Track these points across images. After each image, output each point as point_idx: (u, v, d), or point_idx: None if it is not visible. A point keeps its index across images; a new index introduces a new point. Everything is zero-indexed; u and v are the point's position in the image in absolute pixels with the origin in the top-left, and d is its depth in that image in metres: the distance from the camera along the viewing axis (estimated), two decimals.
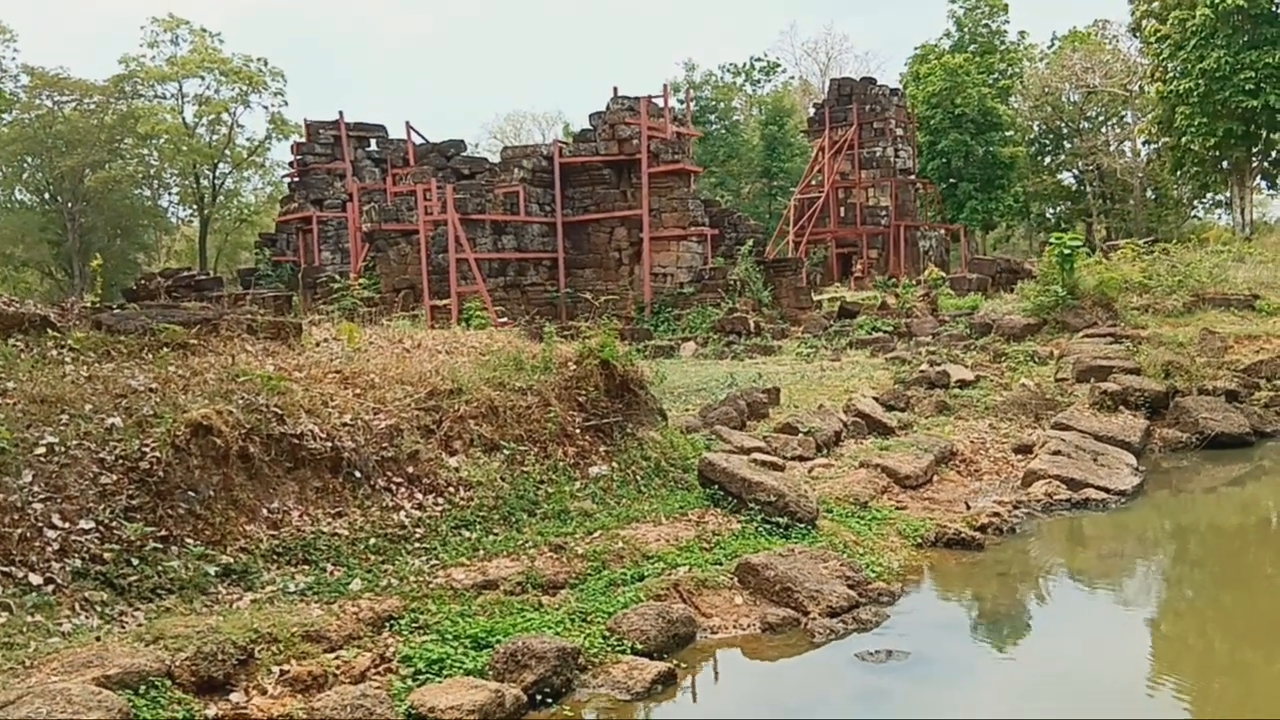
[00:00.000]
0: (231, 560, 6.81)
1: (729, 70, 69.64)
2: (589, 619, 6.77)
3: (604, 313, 21.13)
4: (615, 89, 24.45)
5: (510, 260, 23.84)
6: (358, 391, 8.71)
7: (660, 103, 25.12)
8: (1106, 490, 10.80)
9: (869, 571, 7.94)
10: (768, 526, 8.55)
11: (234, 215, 60.85)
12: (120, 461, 6.88)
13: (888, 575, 8.08)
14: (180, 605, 6.28)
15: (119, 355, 8.34)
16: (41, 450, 6.71)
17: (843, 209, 39.73)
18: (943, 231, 42.99)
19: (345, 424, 8.13)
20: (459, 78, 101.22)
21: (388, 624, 6.50)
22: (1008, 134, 49.43)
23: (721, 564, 7.81)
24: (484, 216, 23.04)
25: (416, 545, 7.66)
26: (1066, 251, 19.36)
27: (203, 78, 55.43)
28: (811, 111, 43.15)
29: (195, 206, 59.34)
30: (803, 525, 8.54)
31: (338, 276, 22.57)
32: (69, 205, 57.24)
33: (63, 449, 6.80)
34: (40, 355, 8.16)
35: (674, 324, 22.46)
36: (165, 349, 8.51)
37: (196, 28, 55.31)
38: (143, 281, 30.23)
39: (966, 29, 52.67)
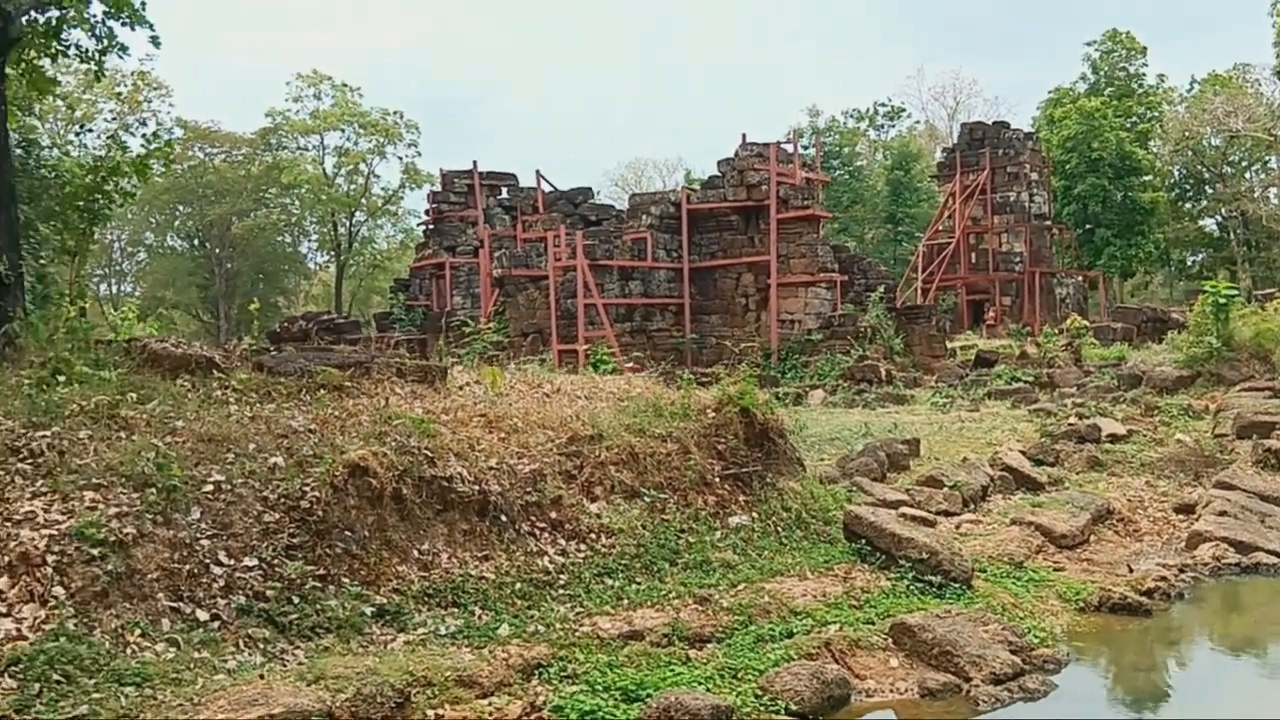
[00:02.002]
0: (385, 601, 6.88)
1: (852, 115, 69.34)
2: (739, 676, 6.59)
3: (734, 359, 21.06)
4: (744, 136, 24.60)
5: (637, 305, 23.98)
6: (502, 435, 8.78)
7: (789, 149, 25.05)
8: (1278, 554, 10.10)
9: (1032, 637, 7.54)
10: (919, 585, 8.22)
11: (368, 261, 63.02)
12: (282, 500, 7.05)
13: (1051, 641, 7.66)
14: (338, 645, 6.35)
15: (279, 396, 8.60)
16: (209, 488, 6.93)
17: (974, 255, 38.80)
18: (1080, 278, 41.53)
19: (491, 468, 8.19)
20: (582, 128, 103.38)
21: (537, 671, 6.45)
22: (1147, 179, 47.71)
23: (873, 623, 7.53)
24: (612, 262, 23.27)
25: (561, 592, 7.61)
26: (1222, 301, 18.41)
27: (342, 130, 57.90)
28: (941, 156, 42.44)
29: (332, 253, 61.76)
30: (957, 585, 8.19)
31: (469, 321, 23.10)
32: (216, 251, 60.33)
33: (229, 487, 7.01)
34: (206, 395, 8.48)
35: (801, 371, 22.18)
36: (322, 390, 8.74)
37: (338, 83, 57.88)
38: (285, 324, 31.53)
39: (1103, 72, 51.22)
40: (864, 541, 8.71)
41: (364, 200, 59.75)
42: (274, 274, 63.39)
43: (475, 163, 30.00)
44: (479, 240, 28.21)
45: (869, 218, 57.29)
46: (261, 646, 6.16)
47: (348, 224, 60.47)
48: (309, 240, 65.98)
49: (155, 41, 10.88)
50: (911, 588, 8.22)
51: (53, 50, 10.43)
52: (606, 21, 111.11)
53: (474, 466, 8.05)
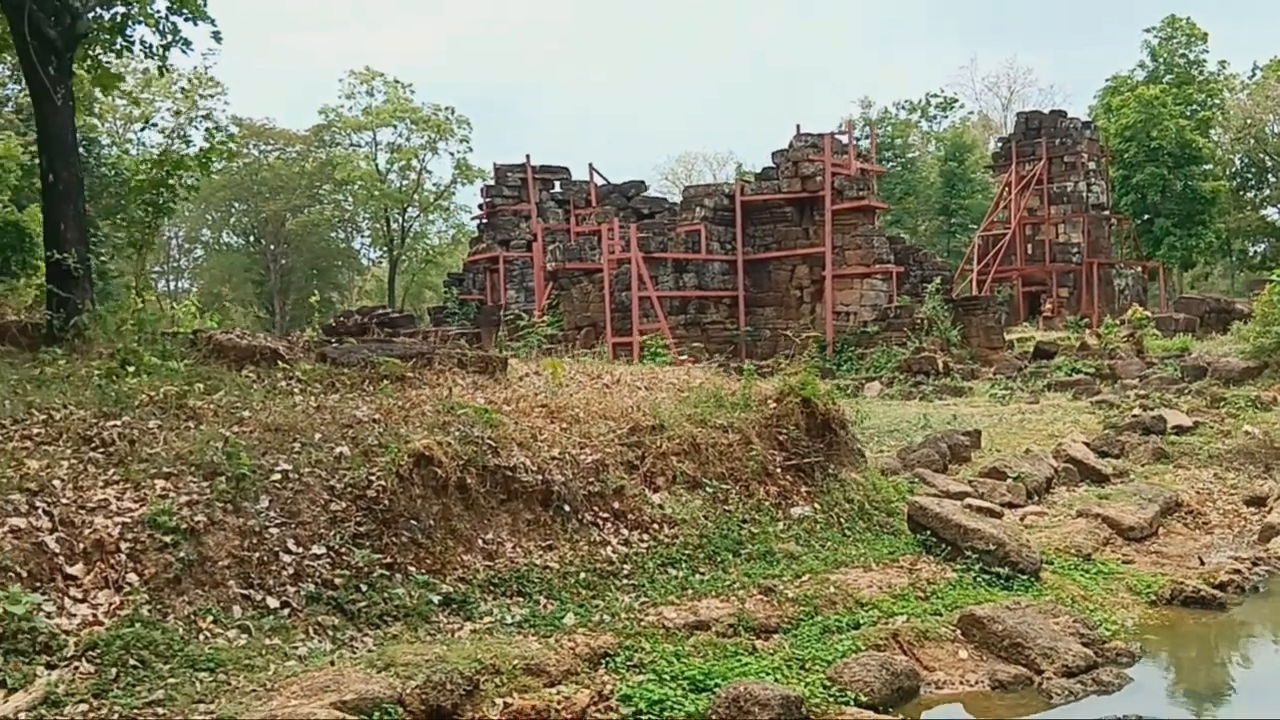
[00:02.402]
0: (451, 590, 6.89)
1: (904, 107, 68.49)
2: (806, 666, 6.52)
3: (790, 350, 20.90)
4: (798, 127, 24.40)
5: (691, 298, 23.89)
6: (564, 425, 8.77)
7: (843, 139, 24.78)
8: None
9: (1103, 629, 7.38)
10: (986, 577, 8.09)
11: (420, 256, 63.52)
12: (349, 489, 7.09)
13: (1123, 634, 7.49)
14: (406, 633, 6.38)
15: (343, 387, 8.67)
16: (277, 477, 6.99)
17: (1030, 246, 38.16)
18: (1139, 269, 40.68)
19: (554, 457, 8.18)
20: (631, 122, 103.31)
21: (603, 660, 6.43)
22: (1208, 167, 46.59)
23: (940, 615, 7.41)
24: (666, 255, 23.20)
25: (625, 581, 7.58)
26: None
27: (395, 126, 58.35)
28: (997, 146, 41.78)
29: (385, 248, 62.35)
30: (1025, 577, 8.04)
31: (523, 314, 23.19)
32: (270, 247, 61.21)
33: (296, 476, 7.07)
34: (271, 386, 8.58)
35: (857, 363, 21.95)
36: (384, 381, 8.79)
37: (390, 79, 58.33)
38: (341, 319, 31.89)
39: (1162, 59, 50.06)
40: (929, 533, 8.58)
41: (416, 196, 60.20)
42: (327, 269, 64.18)
43: (528, 156, 30.11)
44: (532, 234, 28.29)
45: (922, 209, 56.64)
46: (331, 634, 6.20)
47: (400, 219, 60.98)
48: (361, 236, 66.77)
49: (217, 37, 11.01)
50: (978, 579, 8.09)
51: (117, 46, 10.59)
52: (648, 16, 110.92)
53: (537, 456, 8.05)
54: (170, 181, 10.06)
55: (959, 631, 7.13)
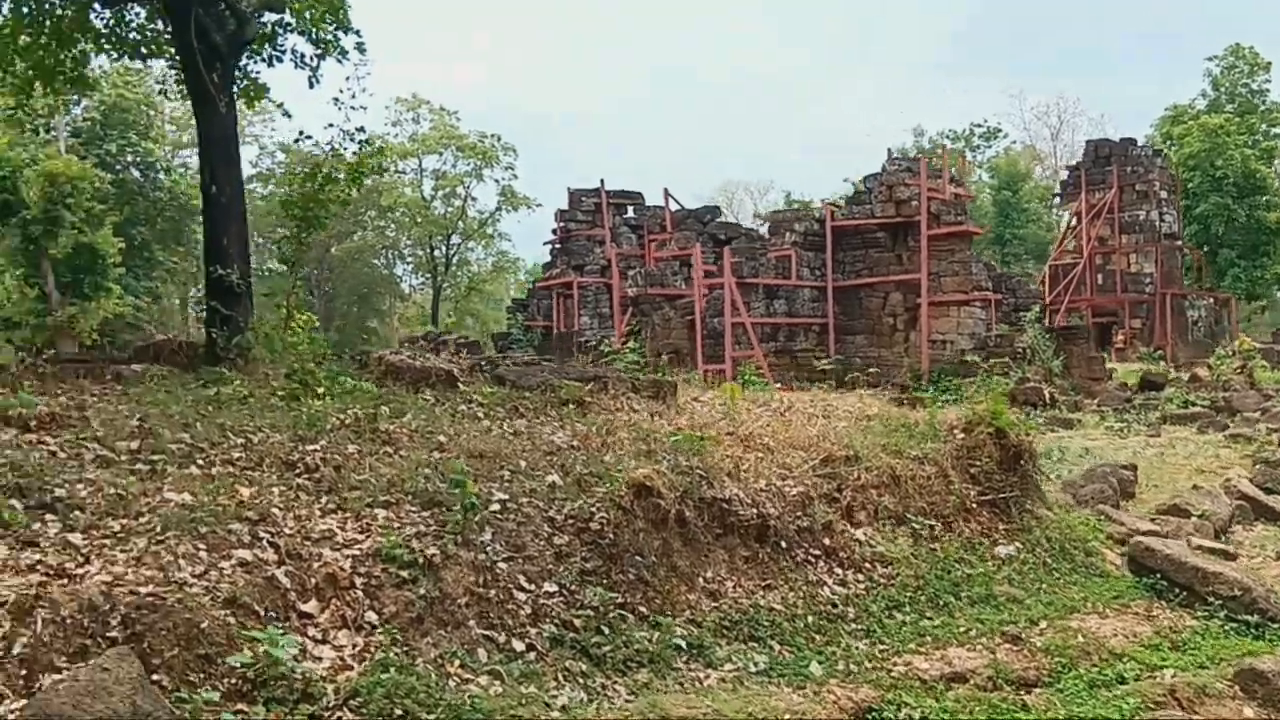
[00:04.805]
0: (685, 632, 6.33)
1: (948, 136, 68.05)
2: None
3: (885, 380, 20.28)
4: (889, 151, 23.90)
5: (780, 325, 23.33)
6: (759, 455, 8.22)
7: (937, 164, 24.26)
8: None
9: None
10: (1233, 625, 7.45)
11: (463, 283, 63.29)
12: (570, 521, 6.56)
13: None
14: (654, 680, 5.81)
15: (527, 411, 8.17)
16: (495, 507, 6.47)
17: (1100, 276, 37.41)
18: (1210, 300, 39.83)
19: (761, 489, 7.63)
20: (669, 152, 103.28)
21: (868, 716, 5.85)
22: (1273, 198, 45.76)
23: (1207, 668, 6.78)
24: (756, 280, 22.68)
25: (853, 626, 7.00)
26: None
27: (440, 154, 58.39)
28: (1064, 174, 41.16)
29: (427, 275, 62.17)
30: (1276, 625, 7.39)
31: (601, 340, 22.70)
32: (314, 273, 61.14)
33: (514, 506, 6.55)
34: (453, 409, 8.09)
35: (955, 394, 21.30)
36: (565, 405, 8.29)
37: (436, 107, 58.39)
38: (405, 344, 31.53)
39: (1224, 88, 49.40)
40: (1158, 576, 7.95)
41: (460, 222, 60.07)
42: (369, 296, 64.05)
43: (602, 181, 29.70)
44: (605, 259, 27.85)
45: (975, 240, 55.92)
46: (581, 681, 5.64)
47: (444, 246, 60.83)
48: (404, 262, 66.64)
49: (360, 48, 10.61)
50: (1225, 628, 7.45)
51: (266, 56, 10.22)
52: (679, 48, 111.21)
53: (747, 488, 7.50)
54: (320, 197, 9.66)
55: (1237, 687, 6.49)
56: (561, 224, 29.89)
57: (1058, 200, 44.92)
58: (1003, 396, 9.71)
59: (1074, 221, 37.67)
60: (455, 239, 61.21)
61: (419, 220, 58.60)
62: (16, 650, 4.37)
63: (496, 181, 58.45)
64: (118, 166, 39.68)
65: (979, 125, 69.18)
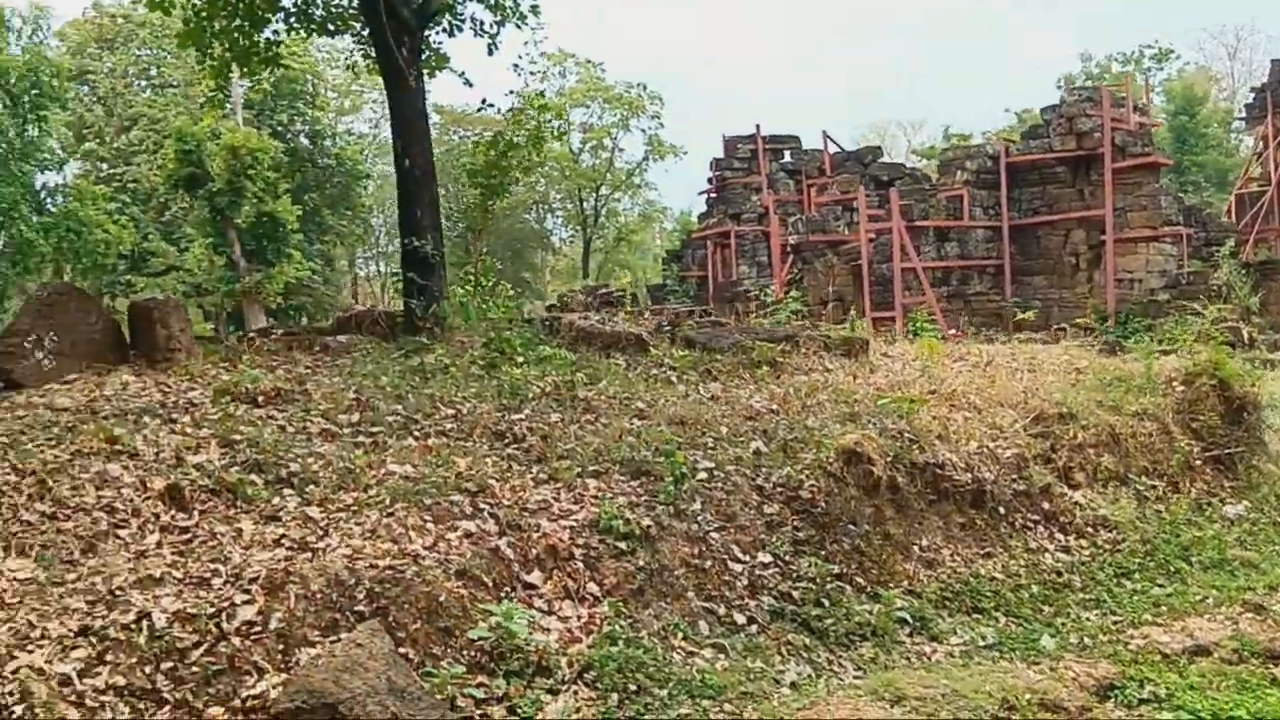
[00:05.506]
0: (904, 603, 6.13)
1: (1117, 59, 63.93)
2: None
3: (1058, 322, 19.29)
4: (1067, 79, 22.52)
5: (953, 268, 22.47)
6: (966, 415, 7.88)
7: (1121, 93, 22.72)
8: None
9: None
10: None
11: (612, 235, 63.65)
12: (778, 489, 6.43)
13: None
14: (880, 655, 5.64)
15: (721, 374, 8.05)
16: (702, 475, 6.39)
17: None
18: None
19: (973, 451, 7.30)
20: (811, 92, 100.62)
21: (1111, 693, 5.52)
22: None
23: None
24: (926, 223, 21.86)
25: (1081, 595, 6.65)
26: None
27: (587, 106, 58.48)
28: (1250, 97, 38.07)
29: (579, 228, 62.75)
30: None
31: (760, 290, 22.34)
32: (469, 232, 62.53)
33: (721, 474, 6.45)
34: (645, 373, 8.03)
35: (1145, 335, 20.10)
36: (758, 367, 8.12)
37: (582, 59, 58.42)
38: (564, 298, 31.92)
39: None
40: None
41: (608, 174, 60.24)
42: (521, 251, 65.17)
43: (758, 127, 29.10)
44: (762, 207, 27.37)
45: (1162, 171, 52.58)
46: (805, 655, 5.52)
47: (594, 198, 61.18)
48: (554, 216, 67.43)
49: (535, 9, 10.52)
50: None
51: (445, 25, 10.25)
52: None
53: (958, 451, 7.20)
54: (504, 164, 9.67)
55: None
56: (717, 172, 29.49)
57: (1241, 124, 41.62)
58: (1224, 345, 9.00)
59: (1260, 146, 34.75)
60: (604, 190, 61.49)
61: (568, 174, 59.00)
62: (273, 625, 4.52)
63: (643, 131, 58.25)
64: (288, 136, 41.23)
65: (1148, 47, 64.73)
